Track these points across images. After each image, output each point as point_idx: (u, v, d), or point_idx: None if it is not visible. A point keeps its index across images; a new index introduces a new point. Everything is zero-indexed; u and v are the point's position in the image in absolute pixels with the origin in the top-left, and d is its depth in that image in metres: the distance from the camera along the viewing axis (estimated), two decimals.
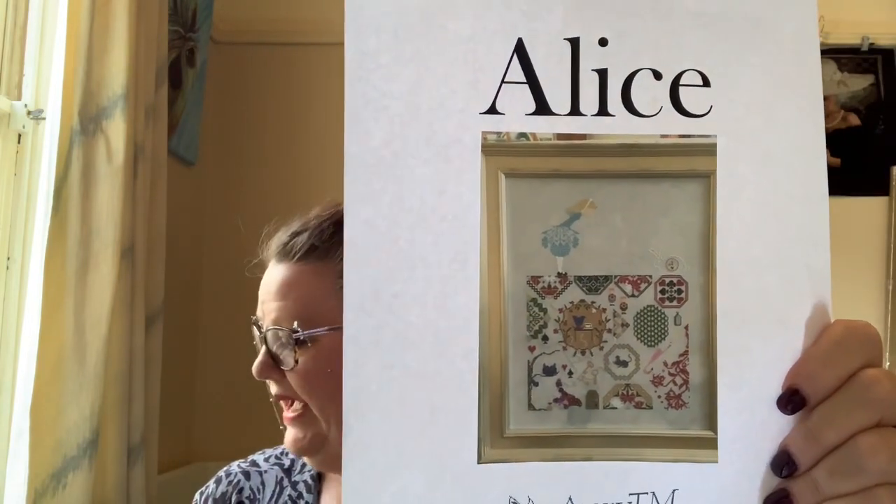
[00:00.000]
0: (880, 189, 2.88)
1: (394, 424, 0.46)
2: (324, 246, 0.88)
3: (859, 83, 2.93)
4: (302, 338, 0.84)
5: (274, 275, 0.90)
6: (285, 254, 0.90)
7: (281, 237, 0.93)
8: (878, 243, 2.86)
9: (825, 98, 2.89)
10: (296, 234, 0.91)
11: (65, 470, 1.63)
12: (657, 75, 0.47)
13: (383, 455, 0.46)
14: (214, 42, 2.76)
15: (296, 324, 0.85)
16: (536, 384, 0.47)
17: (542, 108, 0.47)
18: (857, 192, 2.88)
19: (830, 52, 2.94)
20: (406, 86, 0.47)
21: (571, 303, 0.47)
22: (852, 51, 2.94)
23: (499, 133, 0.47)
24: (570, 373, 0.47)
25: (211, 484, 1.03)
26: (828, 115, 2.90)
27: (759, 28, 0.48)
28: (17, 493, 1.55)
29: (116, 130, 1.79)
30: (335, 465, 0.84)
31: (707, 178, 0.47)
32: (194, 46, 2.53)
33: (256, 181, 2.81)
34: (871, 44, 2.93)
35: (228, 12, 2.80)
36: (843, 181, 2.87)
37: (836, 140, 2.89)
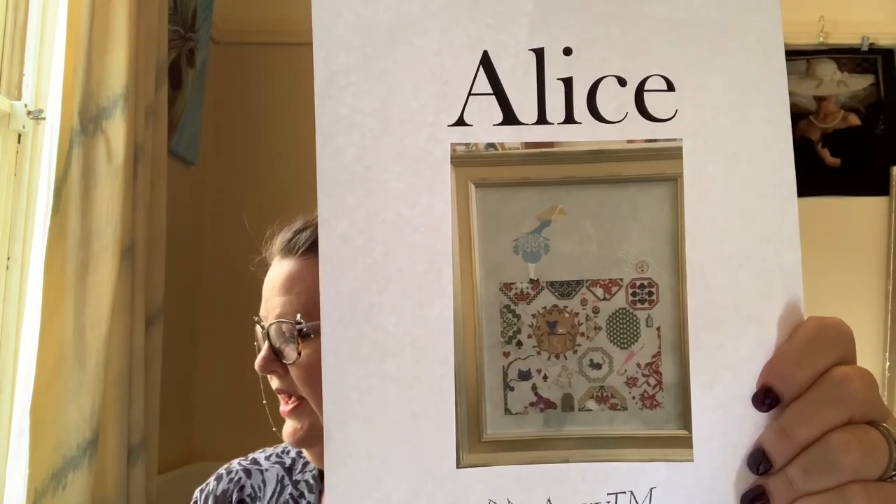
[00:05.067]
0: (880, 189, 2.88)
1: (375, 432, 0.47)
2: None
3: (859, 83, 2.93)
4: (305, 330, 0.85)
5: (278, 271, 0.92)
6: (289, 250, 0.92)
7: (284, 235, 0.94)
8: (878, 243, 2.86)
9: (825, 98, 2.92)
10: (299, 231, 0.93)
11: (65, 470, 1.63)
12: (622, 82, 0.48)
13: (366, 463, 0.47)
14: (214, 42, 2.76)
15: (299, 316, 0.86)
16: (512, 389, 0.48)
17: (510, 118, 0.48)
18: (857, 192, 2.88)
19: (830, 52, 2.94)
20: (376, 101, 0.48)
21: (544, 308, 0.48)
22: (852, 51, 2.94)
23: (467, 144, 0.48)
24: (545, 377, 0.48)
25: (211, 481, 1.03)
26: (828, 115, 2.90)
27: (725, 32, 0.49)
28: (17, 493, 1.56)
29: (116, 130, 1.79)
30: None
31: (674, 181, 0.48)
32: (194, 46, 2.53)
33: (256, 181, 2.81)
34: (871, 44, 2.92)
35: (228, 12, 2.81)
36: (843, 181, 2.87)
37: (836, 140, 2.89)
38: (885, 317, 2.76)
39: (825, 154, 2.86)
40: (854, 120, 2.90)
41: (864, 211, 2.88)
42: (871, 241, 2.86)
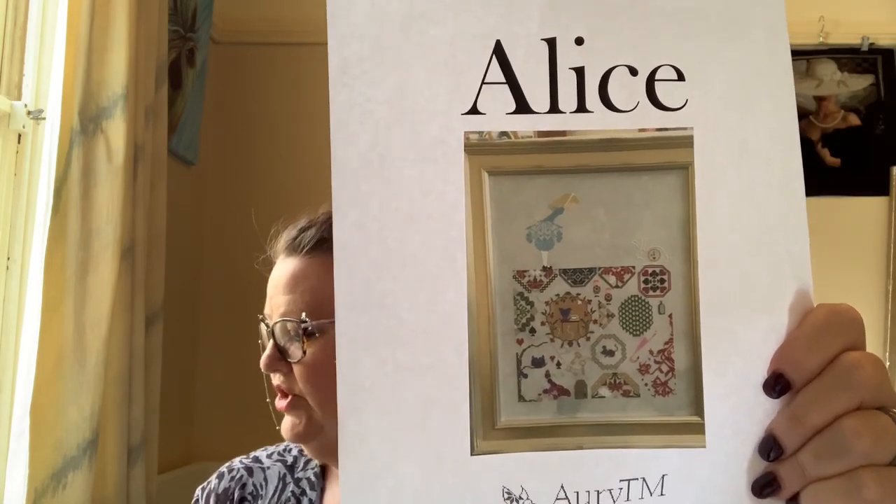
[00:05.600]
0: (880, 189, 2.89)
1: (389, 419, 0.47)
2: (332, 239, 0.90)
3: (859, 83, 2.94)
4: (310, 328, 0.86)
5: (283, 269, 0.92)
6: (294, 248, 0.92)
7: (289, 233, 0.94)
8: (878, 243, 2.86)
9: (825, 98, 2.92)
10: (304, 230, 0.93)
11: (65, 470, 1.63)
12: (633, 71, 0.49)
13: (379, 450, 0.47)
14: (214, 42, 2.76)
15: (304, 315, 0.86)
16: (526, 376, 0.48)
17: (522, 107, 0.48)
18: (857, 192, 2.88)
19: (830, 52, 2.94)
20: (390, 90, 0.48)
21: (557, 295, 0.48)
22: (852, 51, 2.94)
23: (481, 133, 0.48)
24: (559, 364, 0.48)
25: (213, 479, 1.03)
26: (828, 115, 2.90)
27: (733, 24, 0.49)
28: (17, 493, 1.56)
29: (116, 130, 1.79)
30: (332, 455, 0.85)
31: (685, 170, 0.48)
32: (194, 46, 2.53)
33: (256, 181, 2.81)
34: (871, 44, 2.93)
35: (228, 12, 2.81)
36: (843, 181, 2.88)
37: (836, 140, 2.89)
38: (885, 317, 2.77)
39: (825, 154, 2.86)
40: (854, 120, 2.90)
41: (864, 211, 2.88)
42: (871, 241, 2.87)
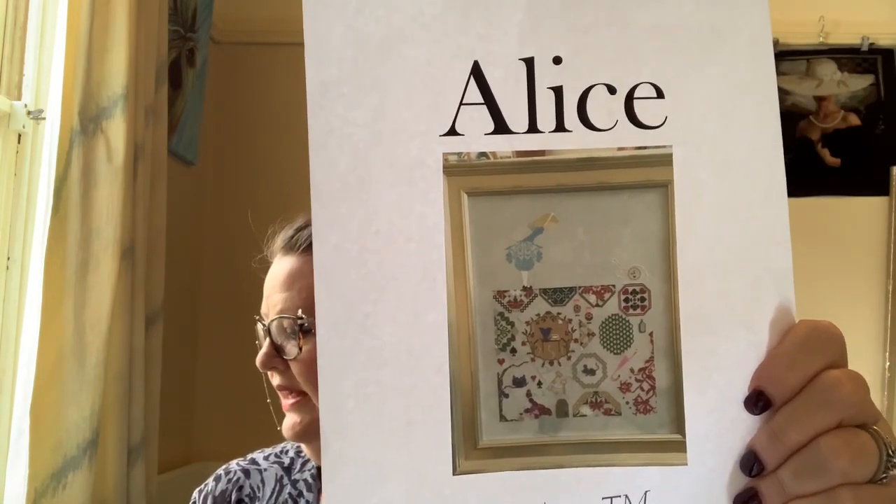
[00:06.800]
0: (880, 189, 2.89)
1: (371, 440, 0.47)
2: None
3: (859, 83, 2.93)
4: (306, 325, 0.86)
5: (279, 268, 0.93)
6: (290, 247, 0.93)
7: (286, 233, 0.95)
8: (878, 243, 2.86)
9: (825, 98, 2.92)
10: (300, 229, 0.94)
11: (65, 470, 1.63)
12: (611, 90, 0.49)
13: (363, 470, 0.47)
14: (214, 42, 2.76)
15: (300, 312, 0.87)
16: (507, 396, 0.48)
17: (501, 127, 0.48)
18: (857, 192, 2.89)
19: (830, 52, 2.94)
20: (369, 113, 0.48)
21: (538, 315, 0.48)
22: (852, 51, 2.94)
23: (459, 154, 0.48)
24: (540, 383, 0.48)
25: (210, 482, 1.04)
26: (828, 115, 2.90)
27: (715, 37, 0.49)
28: (17, 493, 1.56)
29: (116, 130, 1.80)
30: None
31: (665, 188, 0.48)
32: (194, 46, 2.53)
33: (256, 181, 2.81)
34: (871, 44, 2.93)
35: (228, 12, 2.80)
36: (843, 181, 2.88)
37: (836, 140, 2.89)
38: (885, 317, 2.76)
39: (825, 154, 2.86)
40: (854, 120, 2.90)
41: (864, 211, 2.88)
42: (871, 241, 2.86)
